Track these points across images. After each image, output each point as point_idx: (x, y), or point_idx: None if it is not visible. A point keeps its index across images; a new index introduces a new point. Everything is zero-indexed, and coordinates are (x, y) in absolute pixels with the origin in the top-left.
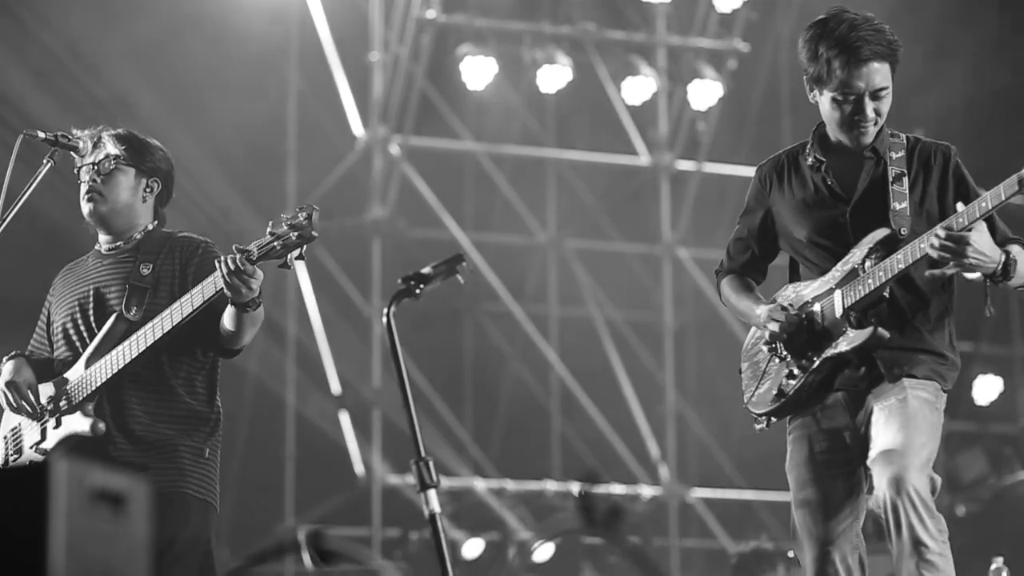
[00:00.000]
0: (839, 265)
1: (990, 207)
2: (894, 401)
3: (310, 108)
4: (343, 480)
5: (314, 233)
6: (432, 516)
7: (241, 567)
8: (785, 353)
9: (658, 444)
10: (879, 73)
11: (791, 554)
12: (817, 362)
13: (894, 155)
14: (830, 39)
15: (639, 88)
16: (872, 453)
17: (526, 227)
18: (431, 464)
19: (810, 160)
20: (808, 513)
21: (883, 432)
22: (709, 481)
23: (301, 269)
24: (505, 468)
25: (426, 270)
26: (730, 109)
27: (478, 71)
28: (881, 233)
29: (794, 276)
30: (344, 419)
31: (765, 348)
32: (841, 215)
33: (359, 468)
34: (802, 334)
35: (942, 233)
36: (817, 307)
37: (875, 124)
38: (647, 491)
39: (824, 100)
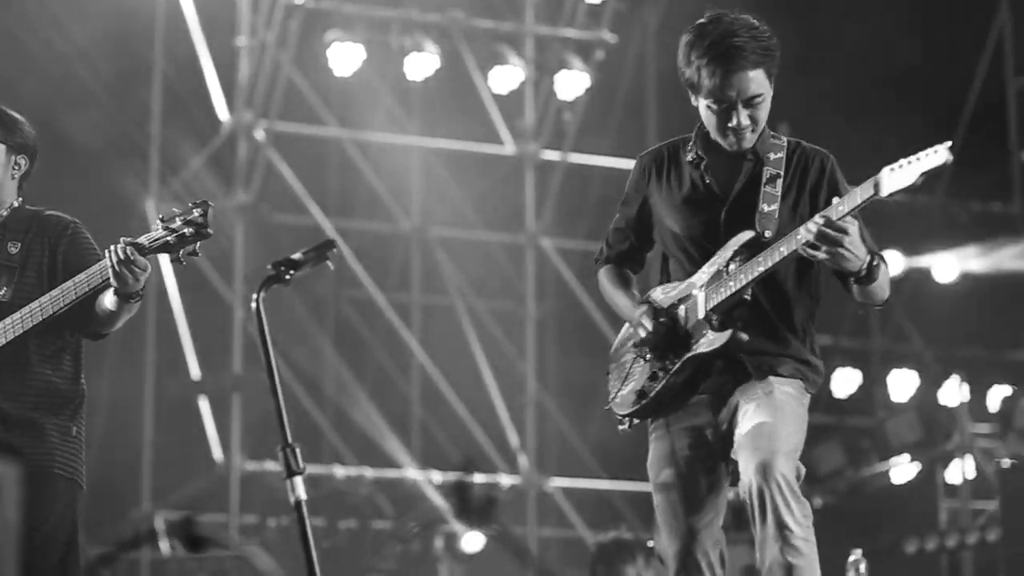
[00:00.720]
0: (706, 266)
1: (847, 209)
2: (760, 394)
3: (175, 91)
4: (201, 466)
5: (210, 231)
6: (297, 503)
7: (105, 554)
8: (649, 355)
9: (518, 433)
10: (753, 81)
11: (650, 544)
12: (678, 364)
13: (772, 156)
14: (702, 47)
15: (506, 77)
16: (738, 442)
17: (390, 215)
18: (297, 451)
19: (690, 156)
20: (670, 509)
21: (750, 421)
22: (568, 471)
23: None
24: (364, 456)
25: (296, 256)
26: (597, 100)
27: (346, 57)
28: (746, 235)
29: (664, 273)
30: (203, 404)
31: (633, 350)
32: (716, 215)
33: (217, 454)
34: (666, 336)
35: (821, 220)
36: (682, 309)
37: (751, 131)
38: (506, 480)
39: (700, 105)
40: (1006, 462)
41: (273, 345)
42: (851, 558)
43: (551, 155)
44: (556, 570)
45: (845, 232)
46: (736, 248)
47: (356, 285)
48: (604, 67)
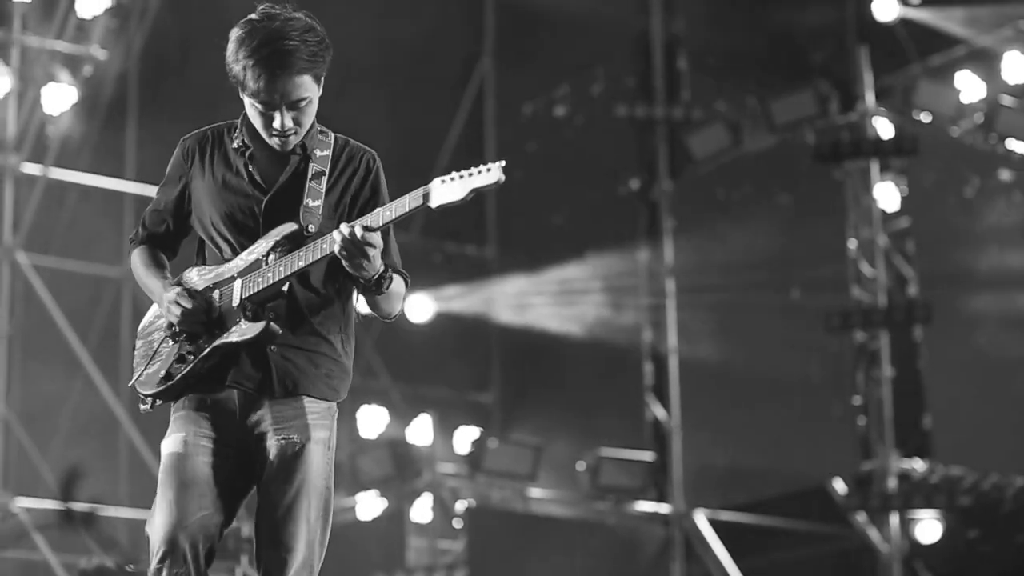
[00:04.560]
0: (244, 254)
1: (394, 216)
2: (290, 452)
3: None
4: None
5: None
6: None
7: None
8: (179, 336)
9: None
10: (299, 86)
11: (130, 568)
12: (207, 349)
13: (319, 153)
14: (249, 47)
15: None
16: (261, 521)
17: None
18: None
19: (236, 143)
20: (169, 492)
21: (270, 510)
22: (31, 491)
23: None
24: None
25: None
26: (82, 115)
27: None
28: (288, 228)
29: (200, 257)
30: None
31: (163, 330)
32: (256, 205)
33: None
34: (198, 320)
35: (346, 230)
36: (216, 294)
37: (295, 133)
38: None
39: (245, 102)
40: (472, 503)
41: None
42: None
43: (32, 168)
44: None
45: (372, 245)
46: (277, 239)
47: None
48: (91, 82)
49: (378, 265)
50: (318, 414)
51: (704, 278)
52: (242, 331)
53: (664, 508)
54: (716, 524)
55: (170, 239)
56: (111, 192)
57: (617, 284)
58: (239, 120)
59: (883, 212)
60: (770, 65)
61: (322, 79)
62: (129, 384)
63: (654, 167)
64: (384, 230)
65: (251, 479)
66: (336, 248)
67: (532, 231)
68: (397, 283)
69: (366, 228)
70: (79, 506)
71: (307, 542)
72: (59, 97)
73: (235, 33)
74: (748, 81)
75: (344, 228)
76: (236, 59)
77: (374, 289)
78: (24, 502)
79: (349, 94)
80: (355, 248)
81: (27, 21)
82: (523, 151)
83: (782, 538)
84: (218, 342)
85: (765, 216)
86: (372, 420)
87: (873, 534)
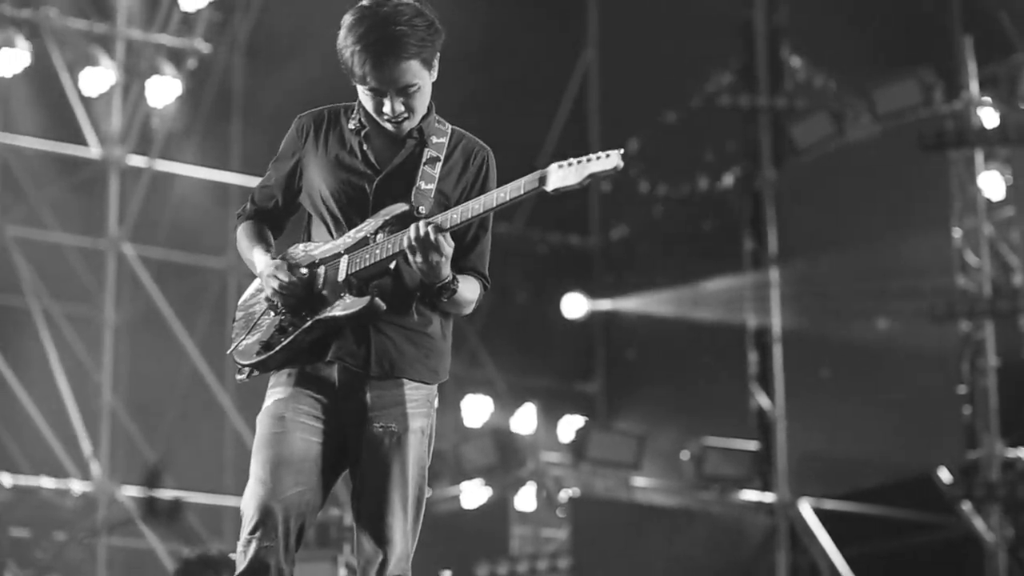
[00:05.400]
0: (352, 232)
1: (508, 198)
2: (388, 441)
3: None
4: None
5: None
6: None
7: None
8: (282, 309)
9: (91, 440)
10: (406, 71)
11: (232, 556)
12: (310, 322)
13: (435, 140)
14: (357, 32)
15: (96, 80)
16: (356, 509)
17: None
18: None
19: (352, 124)
20: (264, 466)
21: (367, 500)
22: (137, 480)
23: None
24: None
25: None
26: (186, 107)
27: None
28: (399, 208)
29: (307, 233)
30: None
31: (264, 302)
32: (368, 184)
33: None
34: (301, 293)
35: (422, 228)
36: (322, 269)
37: (406, 119)
38: (78, 487)
39: (358, 88)
40: (576, 492)
41: None
42: None
43: (137, 160)
44: None
45: (439, 251)
46: (387, 219)
47: None
48: (196, 75)
49: (443, 274)
50: (417, 401)
51: (808, 267)
52: (346, 305)
53: (768, 497)
54: (820, 513)
55: (278, 215)
56: (216, 183)
57: (722, 273)
58: (356, 102)
59: (988, 201)
60: (874, 54)
61: (433, 64)
62: (227, 352)
63: (757, 156)
64: (476, 229)
65: (344, 459)
66: (405, 243)
67: (635, 220)
68: (469, 289)
69: (438, 228)
70: (163, 496)
71: (403, 532)
72: (163, 90)
73: (346, 19)
74: (851, 71)
75: (421, 225)
76: (345, 45)
77: (435, 294)
78: (130, 491)
79: (454, 82)
80: (423, 248)
81: (131, 15)
82: (626, 142)
83: (886, 527)
84: (322, 315)
85: (868, 205)
86: (476, 409)
87: (978, 523)
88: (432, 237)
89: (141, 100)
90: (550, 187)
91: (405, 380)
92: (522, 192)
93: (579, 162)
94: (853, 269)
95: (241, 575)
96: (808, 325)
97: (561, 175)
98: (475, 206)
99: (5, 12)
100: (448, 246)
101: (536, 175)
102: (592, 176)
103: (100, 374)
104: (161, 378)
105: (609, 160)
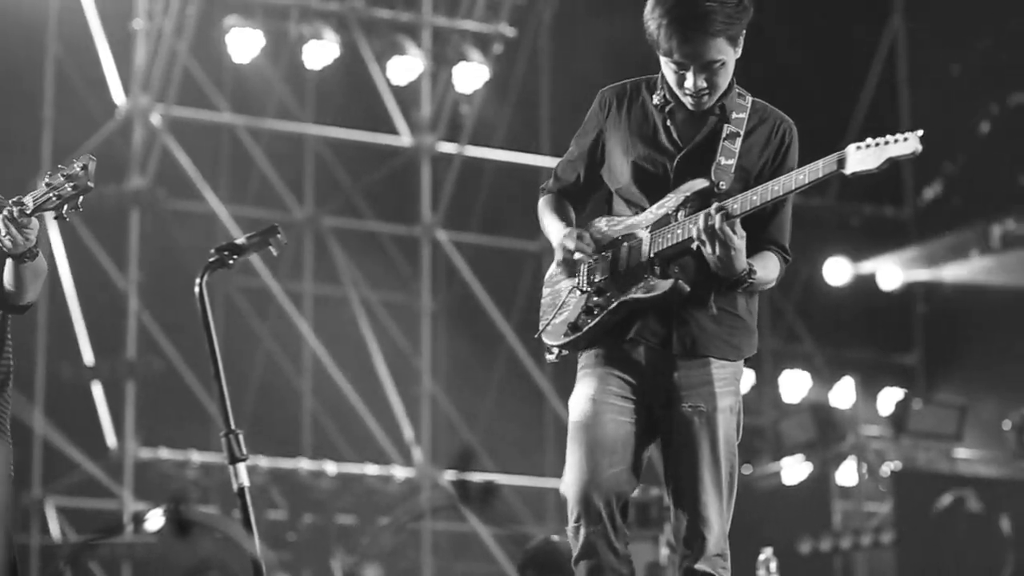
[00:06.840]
0: (653, 208)
1: (807, 180)
2: (698, 421)
3: (68, 75)
4: (94, 452)
5: (90, 184)
6: (240, 490)
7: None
8: (586, 287)
9: (412, 426)
10: (711, 48)
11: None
12: (615, 304)
13: (736, 115)
14: (665, 5)
15: (404, 68)
16: (667, 484)
17: (283, 203)
18: (240, 437)
19: (656, 99)
20: (580, 450)
21: (682, 482)
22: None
23: (55, 235)
24: (256, 445)
25: (240, 241)
26: (494, 93)
27: (244, 44)
28: (699, 184)
29: (609, 209)
30: (97, 390)
31: (566, 279)
32: (669, 160)
33: (111, 440)
34: (604, 271)
35: (712, 219)
36: (625, 246)
37: (708, 95)
38: (400, 473)
39: (661, 60)
40: (898, 465)
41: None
42: (761, 556)
43: (447, 147)
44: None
45: (727, 244)
46: (688, 195)
47: (247, 272)
48: (502, 60)
49: (737, 267)
50: (724, 380)
51: None
52: (649, 287)
53: None
54: None
55: (580, 190)
56: (527, 167)
57: None
58: (659, 76)
59: None
60: None
61: (739, 41)
62: (535, 336)
63: None
64: (779, 203)
65: (653, 436)
66: (694, 232)
67: (949, 188)
68: (767, 269)
69: (727, 216)
70: (475, 480)
71: (718, 512)
72: (471, 76)
73: None
74: None
75: (710, 214)
76: (652, 16)
77: (731, 287)
78: (451, 475)
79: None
80: (711, 239)
81: (437, 3)
82: (939, 113)
83: None
84: (625, 297)
85: None
86: (795, 385)
87: None
88: (718, 227)
89: (449, 87)
90: (848, 170)
91: (711, 359)
92: (820, 175)
93: (877, 144)
94: None
95: (576, 559)
96: None
97: (859, 157)
98: (774, 187)
99: (313, 5)
100: (739, 238)
101: (834, 157)
102: (891, 160)
103: (419, 360)
104: (478, 362)
105: (908, 144)
